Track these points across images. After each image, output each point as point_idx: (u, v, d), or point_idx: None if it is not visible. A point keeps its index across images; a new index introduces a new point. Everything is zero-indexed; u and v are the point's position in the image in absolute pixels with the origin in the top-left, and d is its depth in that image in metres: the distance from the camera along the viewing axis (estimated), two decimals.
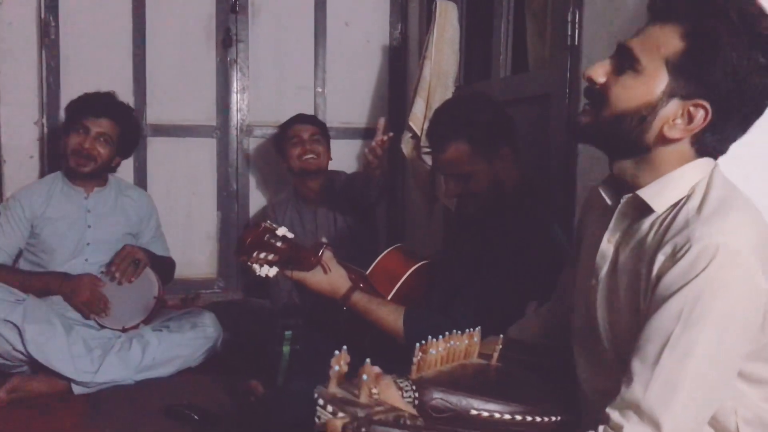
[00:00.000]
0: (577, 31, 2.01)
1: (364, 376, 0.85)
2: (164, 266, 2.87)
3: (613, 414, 1.00)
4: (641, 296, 1.07)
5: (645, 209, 1.12)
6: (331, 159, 3.15)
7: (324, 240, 1.82)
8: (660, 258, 1.04)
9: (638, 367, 1.01)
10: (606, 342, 1.17)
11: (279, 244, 1.69)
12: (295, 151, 3.05)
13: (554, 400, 1.17)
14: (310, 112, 3.58)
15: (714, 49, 1.02)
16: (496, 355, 1.31)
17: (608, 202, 1.20)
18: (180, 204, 3.54)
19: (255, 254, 1.68)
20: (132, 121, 2.81)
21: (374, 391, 0.93)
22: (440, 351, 1.17)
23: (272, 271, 1.68)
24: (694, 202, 1.07)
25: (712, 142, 1.10)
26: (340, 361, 0.88)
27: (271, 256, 1.68)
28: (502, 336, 1.36)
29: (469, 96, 2.25)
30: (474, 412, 1.08)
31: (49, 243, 2.62)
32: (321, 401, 0.86)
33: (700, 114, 1.05)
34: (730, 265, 0.98)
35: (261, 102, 3.58)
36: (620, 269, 1.14)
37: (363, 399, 0.86)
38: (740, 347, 1.01)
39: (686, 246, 1.00)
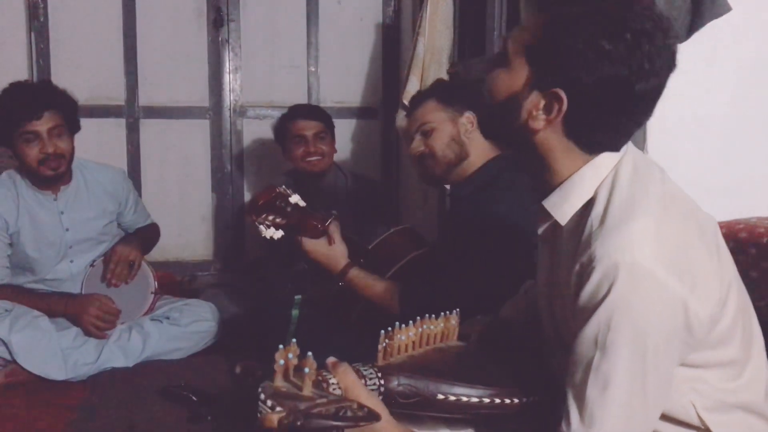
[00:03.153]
0: None
1: (306, 369, 0.82)
2: (153, 241, 2.82)
3: None
4: (571, 303, 1.05)
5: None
6: (336, 152, 3.00)
7: (334, 212, 1.84)
8: (573, 276, 1.02)
9: (570, 397, 0.99)
10: (553, 341, 1.16)
11: (289, 209, 1.73)
12: (299, 150, 2.85)
13: (528, 380, 1.15)
14: (303, 91, 3.56)
15: (561, 38, 1.02)
16: (475, 336, 1.29)
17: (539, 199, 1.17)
18: (174, 186, 3.52)
19: (264, 216, 1.73)
20: (65, 96, 2.49)
21: (332, 381, 0.92)
22: (410, 336, 1.14)
23: (277, 234, 1.73)
24: (597, 210, 1.04)
25: (587, 135, 1.07)
26: (286, 355, 0.85)
27: (279, 219, 1.72)
28: (480, 317, 1.34)
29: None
30: (441, 396, 1.07)
31: (29, 254, 2.49)
32: (262, 396, 0.83)
33: (556, 103, 1.04)
34: (633, 283, 0.95)
35: (254, 82, 3.55)
36: (556, 272, 1.13)
37: (306, 392, 0.83)
38: (667, 358, 0.99)
39: (590, 267, 0.98)
